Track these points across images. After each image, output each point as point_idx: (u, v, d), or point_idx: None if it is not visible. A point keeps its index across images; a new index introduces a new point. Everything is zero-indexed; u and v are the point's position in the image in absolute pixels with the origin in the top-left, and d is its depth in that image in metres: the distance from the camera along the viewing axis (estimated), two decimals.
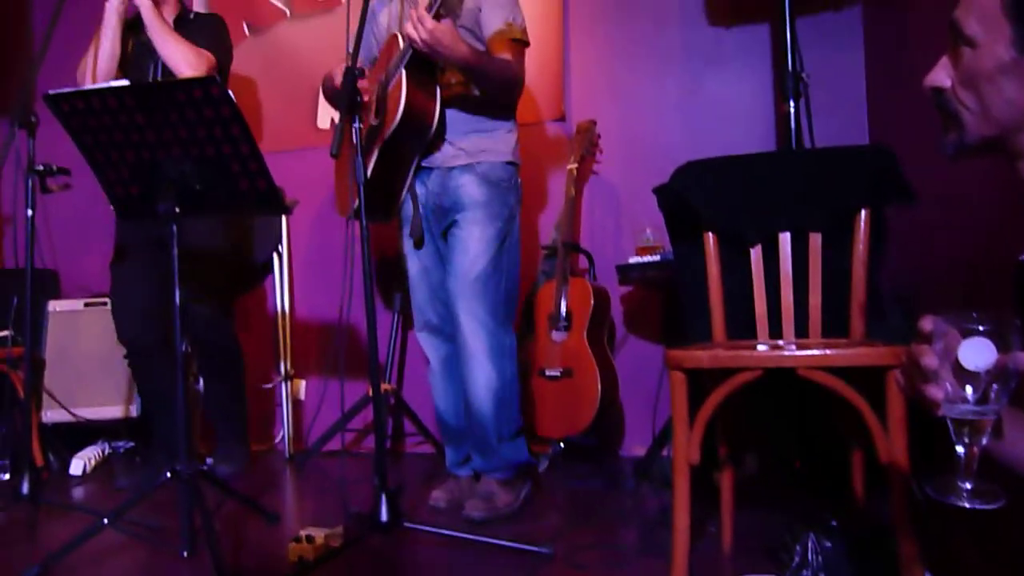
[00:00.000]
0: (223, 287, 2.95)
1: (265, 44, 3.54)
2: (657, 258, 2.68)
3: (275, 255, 3.42)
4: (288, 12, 3.53)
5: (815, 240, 1.83)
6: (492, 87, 2.24)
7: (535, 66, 3.08)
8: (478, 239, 2.26)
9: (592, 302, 2.80)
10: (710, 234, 1.89)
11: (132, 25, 2.72)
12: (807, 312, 1.84)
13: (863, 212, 1.79)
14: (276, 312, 3.43)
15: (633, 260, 2.76)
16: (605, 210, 3.12)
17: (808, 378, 1.50)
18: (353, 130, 1.96)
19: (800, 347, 1.66)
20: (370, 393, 2.95)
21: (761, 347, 1.68)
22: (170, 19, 2.76)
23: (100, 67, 2.70)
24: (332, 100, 2.45)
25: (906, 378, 0.97)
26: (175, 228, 2.01)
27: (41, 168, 2.36)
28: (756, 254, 1.88)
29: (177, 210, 2.02)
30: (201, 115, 1.91)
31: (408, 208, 2.41)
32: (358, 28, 2.05)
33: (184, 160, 2.00)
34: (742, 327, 1.88)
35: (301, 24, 3.51)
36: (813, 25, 2.82)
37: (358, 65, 2.01)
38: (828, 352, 1.49)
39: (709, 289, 1.88)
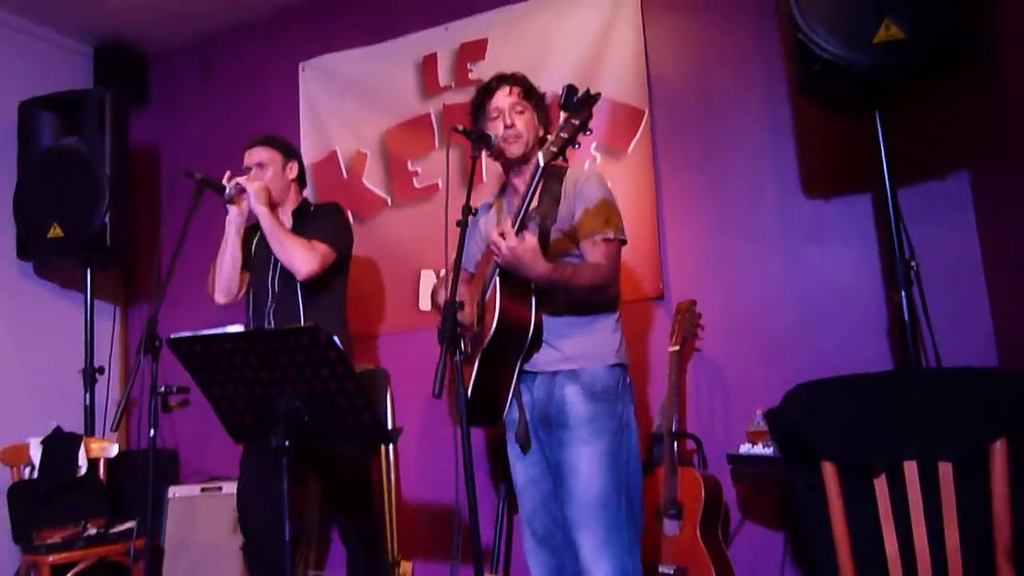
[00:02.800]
0: (370, 499, 2.91)
1: (369, 231, 3.70)
2: (770, 451, 2.56)
3: None
4: (389, 200, 3.70)
5: (946, 470, 1.70)
6: (579, 296, 2.21)
7: (631, 244, 3.10)
8: (588, 459, 2.17)
9: (703, 494, 2.68)
10: (828, 463, 1.78)
11: (255, 225, 2.85)
12: (943, 548, 1.69)
13: (999, 443, 1.66)
14: (382, 495, 3.44)
15: (744, 450, 2.65)
16: (711, 390, 3.03)
17: None
18: (455, 363, 1.98)
19: None
20: None
21: None
22: (290, 211, 2.92)
23: (224, 277, 2.86)
24: (436, 305, 2.52)
25: None
26: (286, 462, 2.06)
27: (163, 390, 2.47)
28: (881, 486, 1.75)
29: (287, 444, 2.07)
30: (309, 357, 1.98)
31: (514, 413, 2.38)
32: (456, 258, 2.09)
33: (294, 396, 2.07)
34: (872, 564, 1.75)
35: (401, 212, 3.66)
36: (918, 194, 2.73)
37: (460, 284, 2.06)
38: None
39: (833, 526, 1.76)
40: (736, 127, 3.11)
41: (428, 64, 3.66)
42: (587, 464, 2.17)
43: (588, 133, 2.06)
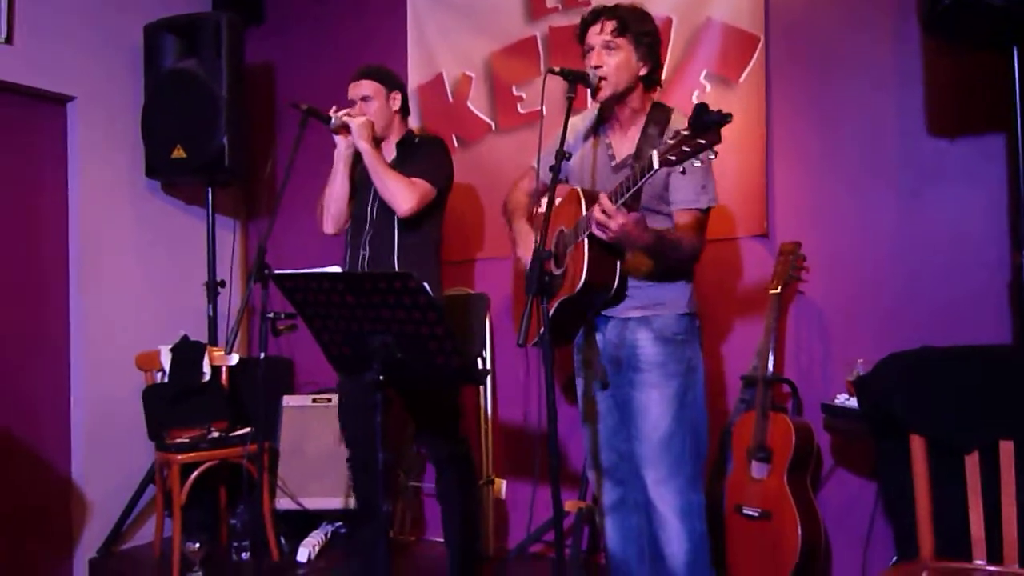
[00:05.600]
0: (456, 425, 3.00)
1: (473, 155, 3.72)
2: None
3: (479, 360, 3.57)
4: (494, 125, 3.68)
5: None
6: (671, 263, 2.24)
7: (736, 179, 3.00)
8: (657, 401, 2.24)
9: (794, 441, 2.66)
10: (917, 437, 1.73)
11: (358, 155, 2.89)
12: None
13: None
14: (479, 415, 3.58)
15: (840, 400, 2.59)
16: (811, 335, 2.95)
17: None
18: (542, 310, 2.01)
19: None
20: (564, 508, 3.05)
21: None
22: (394, 142, 2.97)
23: (333, 209, 2.96)
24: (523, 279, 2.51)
25: None
26: (379, 397, 2.17)
27: (271, 315, 2.63)
28: (972, 463, 1.70)
29: (381, 379, 2.18)
30: (400, 300, 2.06)
31: (589, 354, 2.42)
32: (547, 206, 2.09)
33: (387, 334, 2.16)
34: (955, 542, 1.71)
35: (505, 137, 3.64)
36: None
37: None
38: None
39: (916, 500, 1.72)
40: (858, 60, 2.88)
41: None
42: (656, 406, 2.26)
43: (714, 157, 1.87)
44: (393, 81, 3.01)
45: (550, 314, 2.27)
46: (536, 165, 2.58)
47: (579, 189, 2.30)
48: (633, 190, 2.00)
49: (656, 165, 1.91)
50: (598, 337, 2.39)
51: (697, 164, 1.88)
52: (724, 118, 1.80)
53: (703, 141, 1.85)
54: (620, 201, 2.01)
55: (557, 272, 2.31)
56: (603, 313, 2.35)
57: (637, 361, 2.28)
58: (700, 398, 2.32)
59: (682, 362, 2.28)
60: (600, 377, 2.41)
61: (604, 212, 2.00)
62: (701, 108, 1.81)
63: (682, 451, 2.26)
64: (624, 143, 2.36)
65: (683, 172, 2.07)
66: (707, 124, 1.82)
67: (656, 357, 2.26)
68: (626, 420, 2.35)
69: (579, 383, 2.50)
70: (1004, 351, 2.05)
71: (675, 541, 2.25)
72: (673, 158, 1.88)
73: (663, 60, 2.43)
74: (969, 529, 1.68)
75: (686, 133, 1.86)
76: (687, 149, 1.86)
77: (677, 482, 2.25)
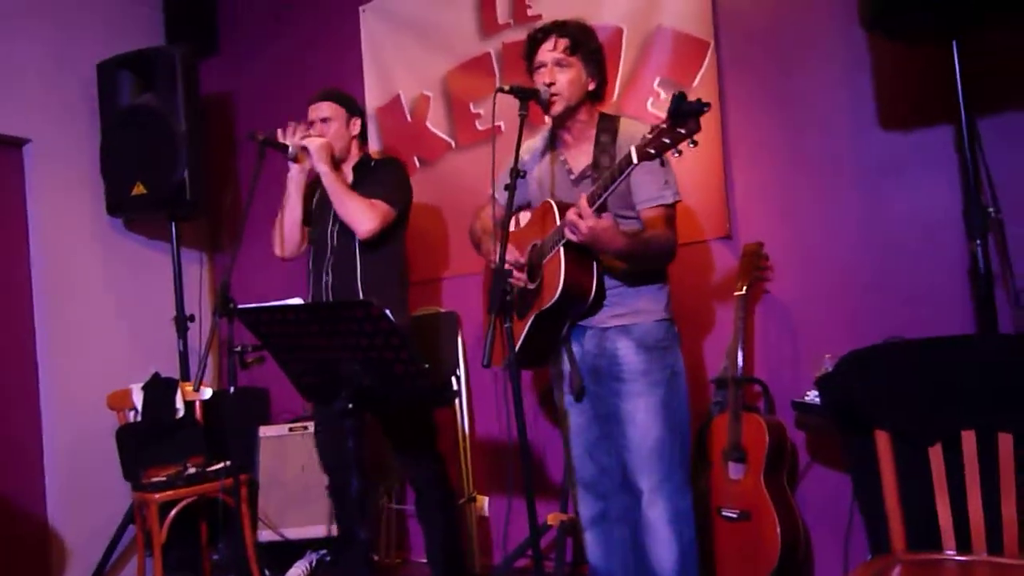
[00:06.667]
0: (431, 444, 3.01)
1: (434, 174, 3.72)
2: None
3: (454, 379, 3.57)
4: (453, 143, 3.69)
5: (1006, 441, 1.65)
6: (647, 264, 2.26)
7: (696, 184, 3.02)
8: (644, 410, 2.25)
9: (767, 440, 2.68)
10: (882, 432, 1.75)
11: (317, 178, 2.87)
12: (999, 520, 1.66)
13: None
14: (457, 432, 3.57)
15: (809, 398, 2.61)
16: (780, 333, 2.97)
17: None
18: (504, 330, 2.01)
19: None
20: (546, 522, 3.05)
21: None
22: (351, 166, 2.97)
23: (285, 233, 2.95)
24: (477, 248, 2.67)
25: None
26: (350, 424, 2.16)
27: (238, 349, 2.62)
28: (936, 455, 1.72)
29: (350, 407, 2.17)
30: (363, 328, 2.06)
31: (564, 364, 2.43)
32: (504, 223, 2.10)
33: (354, 362, 2.16)
34: (927, 534, 1.73)
35: (465, 154, 3.65)
36: (1006, 125, 2.54)
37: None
38: None
39: (885, 494, 1.74)
40: (808, 57, 2.92)
41: (486, 0, 3.57)
42: (643, 415, 2.26)
43: (694, 145, 1.88)
44: (354, 106, 3.01)
45: (525, 331, 2.30)
46: (494, 194, 2.60)
47: (552, 201, 2.31)
48: (612, 188, 2.02)
49: (635, 160, 1.92)
50: (575, 348, 2.39)
51: (677, 155, 1.89)
52: (703, 106, 1.82)
53: (683, 131, 1.85)
54: (598, 202, 2.03)
55: (531, 286, 2.32)
56: (580, 324, 2.35)
57: (619, 371, 2.28)
58: (684, 403, 2.34)
59: (666, 369, 2.29)
60: (574, 389, 2.41)
61: (578, 214, 2.02)
62: (680, 97, 1.82)
63: (671, 458, 2.27)
64: (579, 156, 2.38)
65: (662, 164, 2.09)
66: (686, 113, 1.83)
67: (639, 366, 2.26)
68: (610, 432, 2.34)
69: (556, 395, 2.51)
70: (962, 340, 2.08)
71: (664, 549, 2.25)
72: (652, 151, 1.88)
73: (608, 76, 2.46)
74: (937, 522, 1.70)
75: (665, 125, 1.87)
76: (667, 140, 1.86)
77: (668, 489, 2.26)
